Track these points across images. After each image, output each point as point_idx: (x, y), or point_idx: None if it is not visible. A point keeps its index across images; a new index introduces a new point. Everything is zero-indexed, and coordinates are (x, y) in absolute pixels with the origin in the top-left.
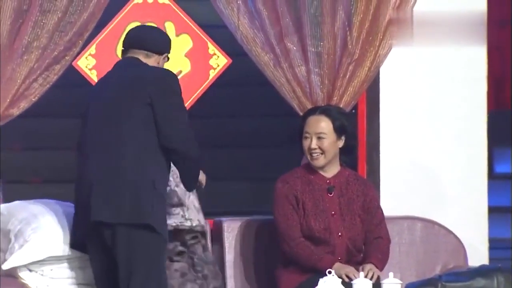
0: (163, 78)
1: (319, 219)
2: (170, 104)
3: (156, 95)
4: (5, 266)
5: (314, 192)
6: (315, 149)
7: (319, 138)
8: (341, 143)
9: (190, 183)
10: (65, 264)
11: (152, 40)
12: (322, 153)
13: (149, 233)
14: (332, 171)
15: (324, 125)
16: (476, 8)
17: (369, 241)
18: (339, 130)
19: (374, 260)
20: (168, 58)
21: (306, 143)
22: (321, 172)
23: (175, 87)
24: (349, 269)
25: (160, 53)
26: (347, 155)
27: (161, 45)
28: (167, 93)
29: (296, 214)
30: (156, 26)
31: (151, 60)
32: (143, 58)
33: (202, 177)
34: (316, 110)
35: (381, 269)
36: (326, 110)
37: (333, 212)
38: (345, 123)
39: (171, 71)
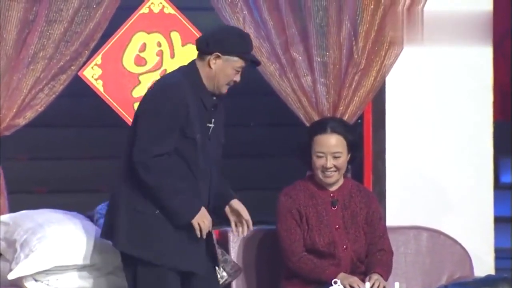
0: (146, 94)
1: (323, 234)
2: (137, 119)
3: (137, 110)
4: (11, 276)
5: (318, 206)
6: (330, 168)
7: (335, 157)
8: (349, 157)
9: (161, 209)
10: (71, 274)
11: (201, 37)
12: (336, 171)
13: (131, 262)
14: (336, 184)
15: (339, 143)
16: (481, 8)
17: (372, 253)
18: (351, 146)
19: (379, 270)
20: (220, 56)
21: (319, 162)
22: (326, 186)
23: (149, 105)
24: (353, 279)
25: (207, 52)
26: (350, 164)
27: (206, 41)
28: (140, 108)
29: (299, 229)
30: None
31: (203, 63)
32: (198, 62)
33: (203, 222)
34: (324, 128)
35: (385, 280)
36: (336, 128)
37: (337, 226)
38: (355, 138)
39: (164, 87)
